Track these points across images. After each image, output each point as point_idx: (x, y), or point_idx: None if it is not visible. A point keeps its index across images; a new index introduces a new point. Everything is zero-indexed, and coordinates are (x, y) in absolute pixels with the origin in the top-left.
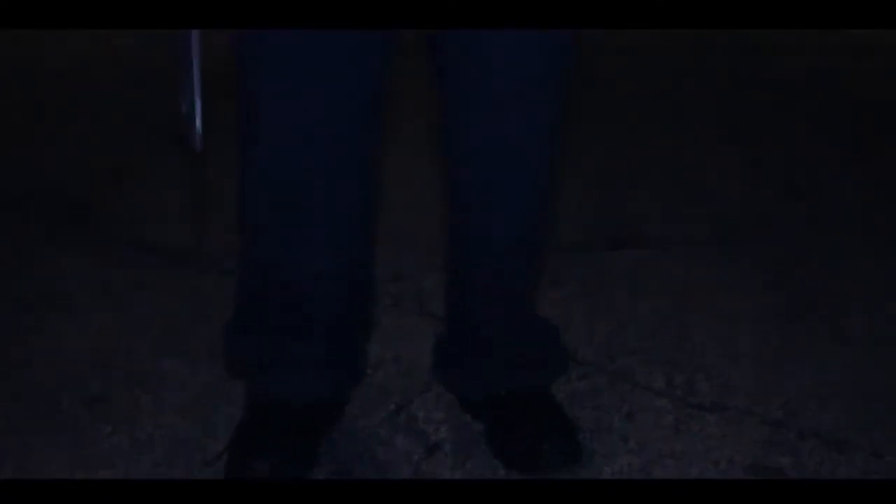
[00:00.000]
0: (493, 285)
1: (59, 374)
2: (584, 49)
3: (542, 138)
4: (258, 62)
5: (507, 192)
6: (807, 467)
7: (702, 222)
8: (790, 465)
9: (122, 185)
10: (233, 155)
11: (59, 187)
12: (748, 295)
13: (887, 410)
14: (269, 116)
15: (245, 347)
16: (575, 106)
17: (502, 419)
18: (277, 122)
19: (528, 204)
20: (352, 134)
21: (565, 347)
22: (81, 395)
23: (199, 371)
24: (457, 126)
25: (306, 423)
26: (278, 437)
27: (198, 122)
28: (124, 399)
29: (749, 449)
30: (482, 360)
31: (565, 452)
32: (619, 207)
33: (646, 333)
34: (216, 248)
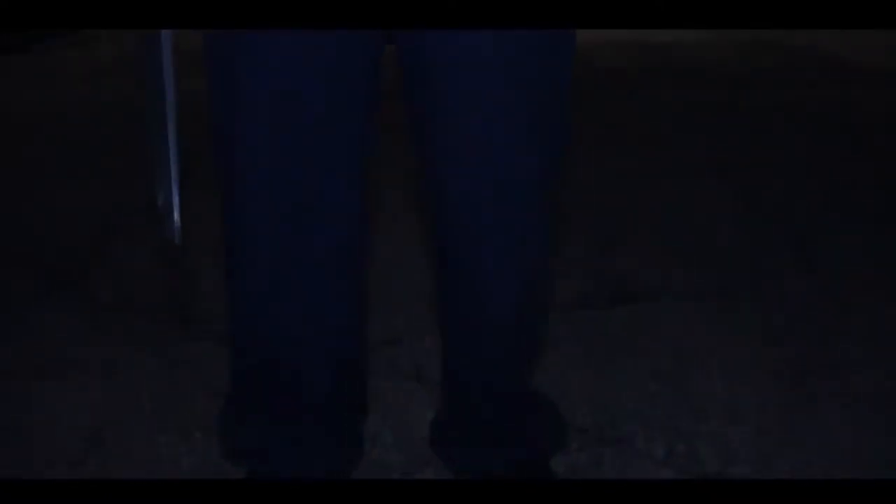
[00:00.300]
0: (489, 363)
1: (48, 448)
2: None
3: (541, 213)
4: (235, 122)
5: (501, 269)
6: None
7: (700, 276)
8: None
9: (110, 246)
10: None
11: (45, 249)
12: (749, 353)
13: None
14: (249, 186)
15: (241, 437)
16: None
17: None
18: (258, 192)
19: (523, 278)
20: (339, 200)
21: (565, 423)
22: (72, 470)
23: (196, 447)
24: (441, 205)
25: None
26: None
27: (176, 216)
28: (120, 475)
29: None
30: (480, 437)
31: None
32: (613, 262)
33: (645, 397)
34: (207, 311)
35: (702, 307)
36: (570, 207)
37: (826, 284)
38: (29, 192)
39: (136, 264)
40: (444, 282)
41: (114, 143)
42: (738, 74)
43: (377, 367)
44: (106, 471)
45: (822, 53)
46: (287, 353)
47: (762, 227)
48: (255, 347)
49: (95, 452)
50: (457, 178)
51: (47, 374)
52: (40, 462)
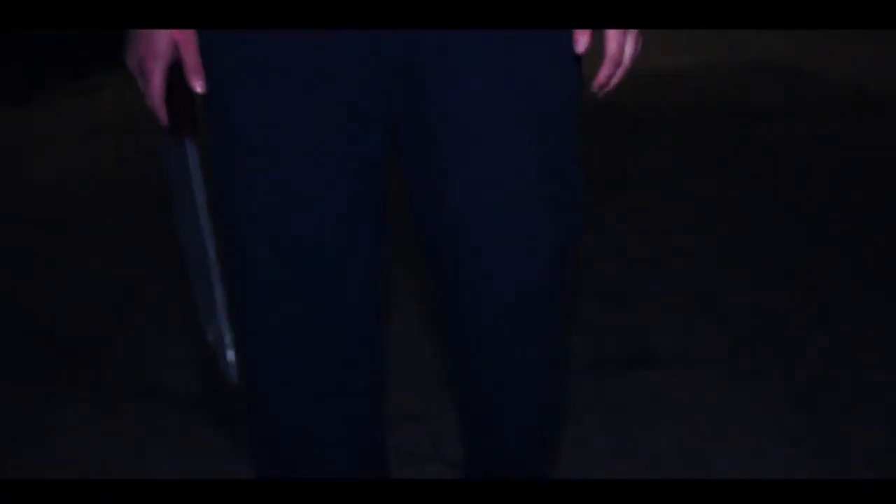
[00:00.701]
0: (510, 462)
1: None
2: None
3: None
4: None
5: (521, 381)
6: None
7: (716, 339)
8: None
9: (122, 322)
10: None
11: (60, 324)
12: (768, 420)
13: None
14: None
15: None
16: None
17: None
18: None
19: (544, 387)
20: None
21: None
22: None
23: None
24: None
25: None
26: None
27: (230, 355)
28: None
29: None
30: None
31: None
32: (623, 323)
33: (665, 470)
34: (222, 392)
35: (718, 372)
36: (583, 265)
37: (848, 346)
38: (41, 261)
39: (159, 343)
40: (462, 392)
41: (129, 207)
42: (747, 104)
43: (395, 450)
44: None
45: (837, 79)
46: (307, 451)
47: (779, 282)
48: (275, 449)
49: None
50: (475, 300)
51: (65, 471)
52: None
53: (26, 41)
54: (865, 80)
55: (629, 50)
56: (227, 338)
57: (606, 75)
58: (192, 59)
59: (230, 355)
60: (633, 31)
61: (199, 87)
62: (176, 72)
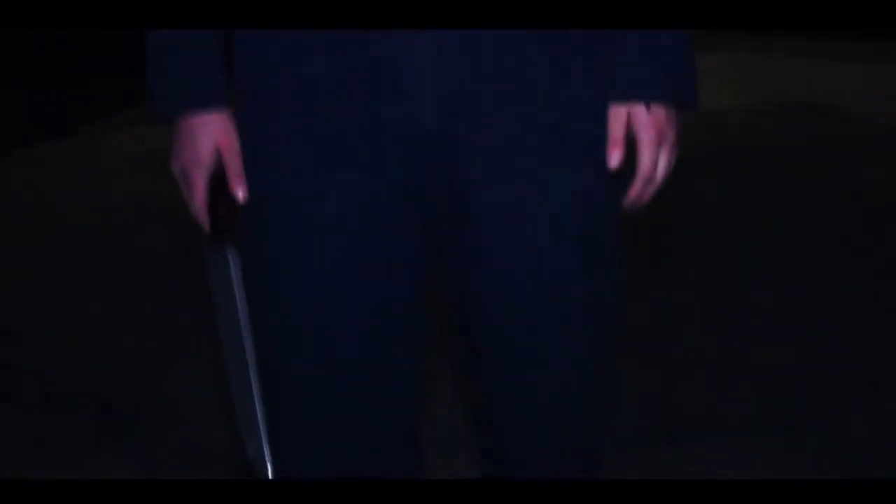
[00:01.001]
0: None
1: None
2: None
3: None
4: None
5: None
6: None
7: (764, 407)
8: None
9: (163, 384)
10: None
11: (98, 383)
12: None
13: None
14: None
15: None
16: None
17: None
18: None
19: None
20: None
21: None
22: None
23: None
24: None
25: None
26: None
27: (269, 468)
28: None
29: None
30: None
31: None
32: (672, 394)
33: None
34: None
35: (763, 442)
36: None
37: None
38: (77, 310)
39: (200, 404)
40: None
41: (169, 250)
42: (787, 149)
43: None
44: None
45: (881, 123)
46: None
47: (825, 349)
48: None
49: None
50: (512, 402)
51: None
52: None
53: (71, 70)
54: None
55: (663, 164)
56: (267, 452)
57: (638, 192)
58: (235, 166)
59: (270, 470)
60: (668, 142)
61: (241, 194)
62: (219, 178)
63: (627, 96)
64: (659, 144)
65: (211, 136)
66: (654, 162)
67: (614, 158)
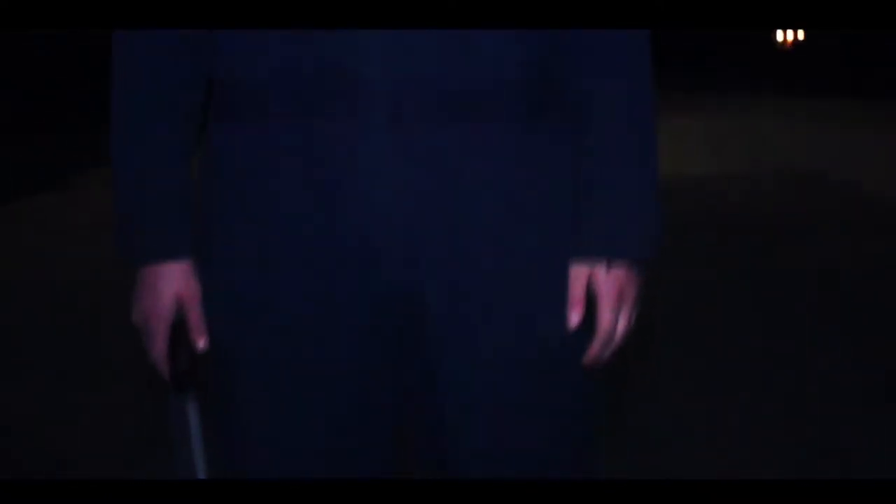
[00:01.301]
0: None
1: None
2: None
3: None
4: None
5: None
6: None
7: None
8: None
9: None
10: None
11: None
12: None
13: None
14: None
15: None
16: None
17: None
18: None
19: None
20: None
21: None
22: None
23: None
24: None
25: None
26: None
27: None
28: None
29: None
30: None
31: None
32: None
33: None
34: None
35: None
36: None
37: None
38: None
39: None
40: None
41: None
42: (778, 225)
43: None
44: None
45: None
46: None
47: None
48: None
49: None
50: None
51: None
52: None
53: (59, 120)
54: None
55: (622, 325)
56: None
57: (598, 352)
58: (195, 317)
59: None
60: (628, 301)
61: (201, 343)
62: (179, 328)
63: (589, 252)
64: (619, 306)
65: (171, 286)
66: (614, 324)
67: (574, 318)
